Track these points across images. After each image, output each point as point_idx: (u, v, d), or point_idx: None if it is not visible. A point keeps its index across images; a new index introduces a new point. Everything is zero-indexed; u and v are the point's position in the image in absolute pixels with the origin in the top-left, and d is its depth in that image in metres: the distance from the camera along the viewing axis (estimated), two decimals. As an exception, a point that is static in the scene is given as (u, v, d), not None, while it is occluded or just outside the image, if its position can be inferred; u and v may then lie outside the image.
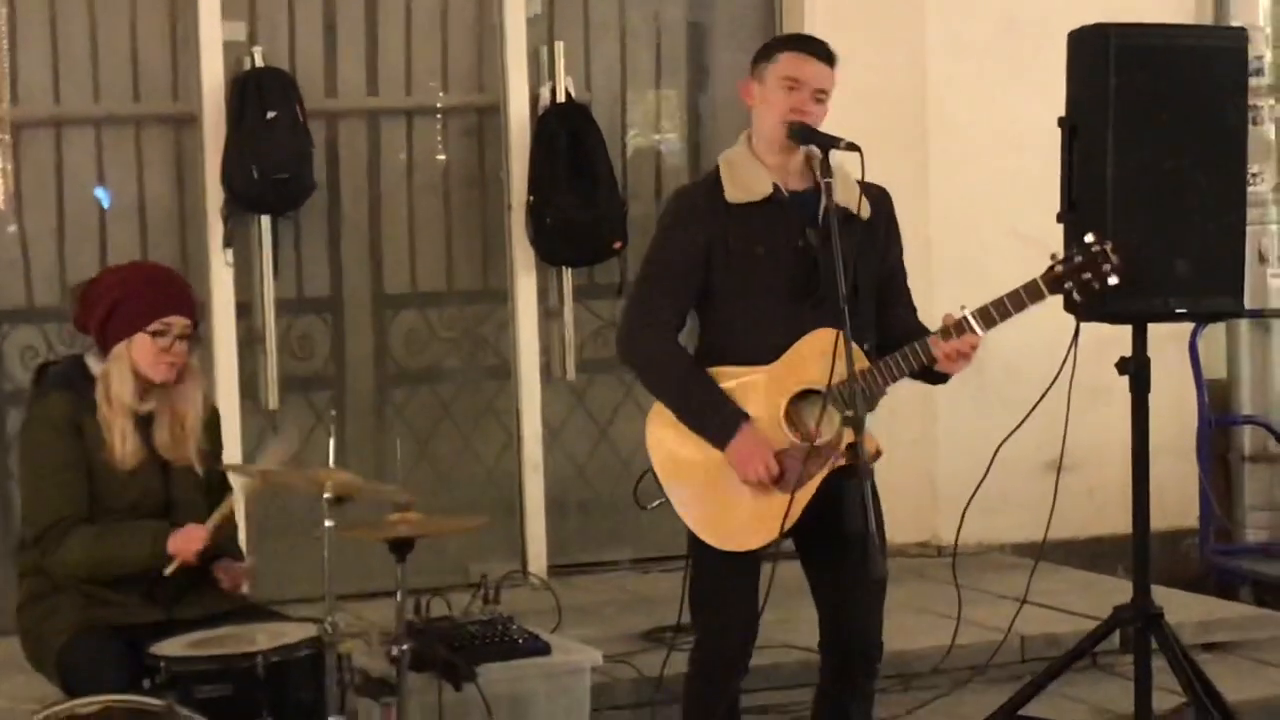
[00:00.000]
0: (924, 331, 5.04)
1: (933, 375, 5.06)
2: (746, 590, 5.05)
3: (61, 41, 7.74)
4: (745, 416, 4.94)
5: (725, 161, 5.09)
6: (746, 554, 5.01)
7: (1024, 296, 4.96)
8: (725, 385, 5.01)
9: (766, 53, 5.11)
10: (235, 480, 5.35)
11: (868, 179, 4.94)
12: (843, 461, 4.87)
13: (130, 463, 5.16)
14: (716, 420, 4.96)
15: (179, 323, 5.20)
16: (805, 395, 4.98)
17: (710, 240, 5.00)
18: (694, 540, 5.08)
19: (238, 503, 5.26)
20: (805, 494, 4.92)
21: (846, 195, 4.98)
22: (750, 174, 5.03)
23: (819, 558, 5.09)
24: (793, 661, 5.39)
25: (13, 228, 7.69)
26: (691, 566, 5.11)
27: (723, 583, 5.06)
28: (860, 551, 4.75)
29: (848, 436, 4.81)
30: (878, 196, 5.11)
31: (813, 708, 5.34)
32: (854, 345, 4.80)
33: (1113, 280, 5.02)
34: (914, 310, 5.21)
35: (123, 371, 5.16)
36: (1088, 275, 5.00)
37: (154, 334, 5.16)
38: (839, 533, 4.86)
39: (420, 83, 8.22)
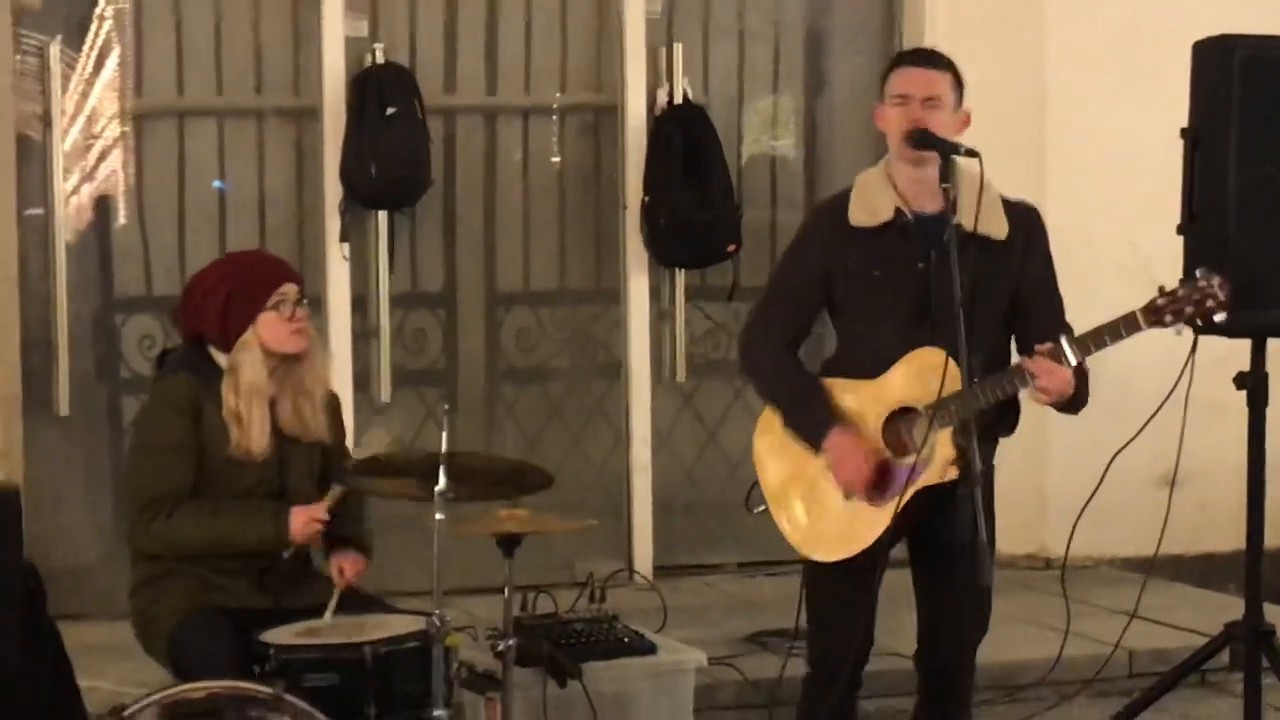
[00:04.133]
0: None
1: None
2: (861, 599, 5.02)
3: (185, 34, 7.83)
4: (837, 421, 4.95)
5: (859, 182, 5.09)
6: (861, 566, 4.99)
7: (1121, 328, 4.84)
8: (833, 395, 5.02)
9: (884, 76, 5.12)
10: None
11: (985, 187, 4.90)
12: (941, 478, 4.84)
13: (262, 450, 5.21)
14: (811, 422, 4.99)
15: (291, 290, 5.28)
16: (906, 412, 4.96)
17: (829, 262, 5.02)
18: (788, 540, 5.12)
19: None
20: (887, 512, 4.89)
21: (986, 217, 4.88)
22: (877, 197, 5.01)
23: (924, 568, 5.09)
24: (900, 670, 5.40)
25: (133, 218, 7.78)
26: (805, 574, 5.12)
27: (837, 592, 5.05)
28: (964, 565, 4.66)
29: (946, 450, 4.79)
30: (1022, 214, 5.05)
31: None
32: (955, 365, 4.73)
33: (1219, 317, 4.88)
34: (1064, 327, 4.99)
35: (254, 358, 5.22)
36: (1191, 310, 4.85)
37: (274, 307, 5.23)
38: (945, 544, 4.80)
39: (538, 81, 8.25)
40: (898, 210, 4.99)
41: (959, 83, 5.08)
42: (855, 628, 5.03)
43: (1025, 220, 5.08)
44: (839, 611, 5.05)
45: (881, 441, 4.97)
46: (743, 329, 5.24)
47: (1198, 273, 4.90)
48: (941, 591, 4.97)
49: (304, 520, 5.17)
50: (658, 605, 7.05)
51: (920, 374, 4.86)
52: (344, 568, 5.30)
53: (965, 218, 4.85)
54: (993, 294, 4.97)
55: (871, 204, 5.01)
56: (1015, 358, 5.01)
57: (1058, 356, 4.84)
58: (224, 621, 5.08)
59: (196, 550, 5.16)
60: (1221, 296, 4.83)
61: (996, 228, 4.96)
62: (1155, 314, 4.83)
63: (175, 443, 5.18)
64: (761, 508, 5.10)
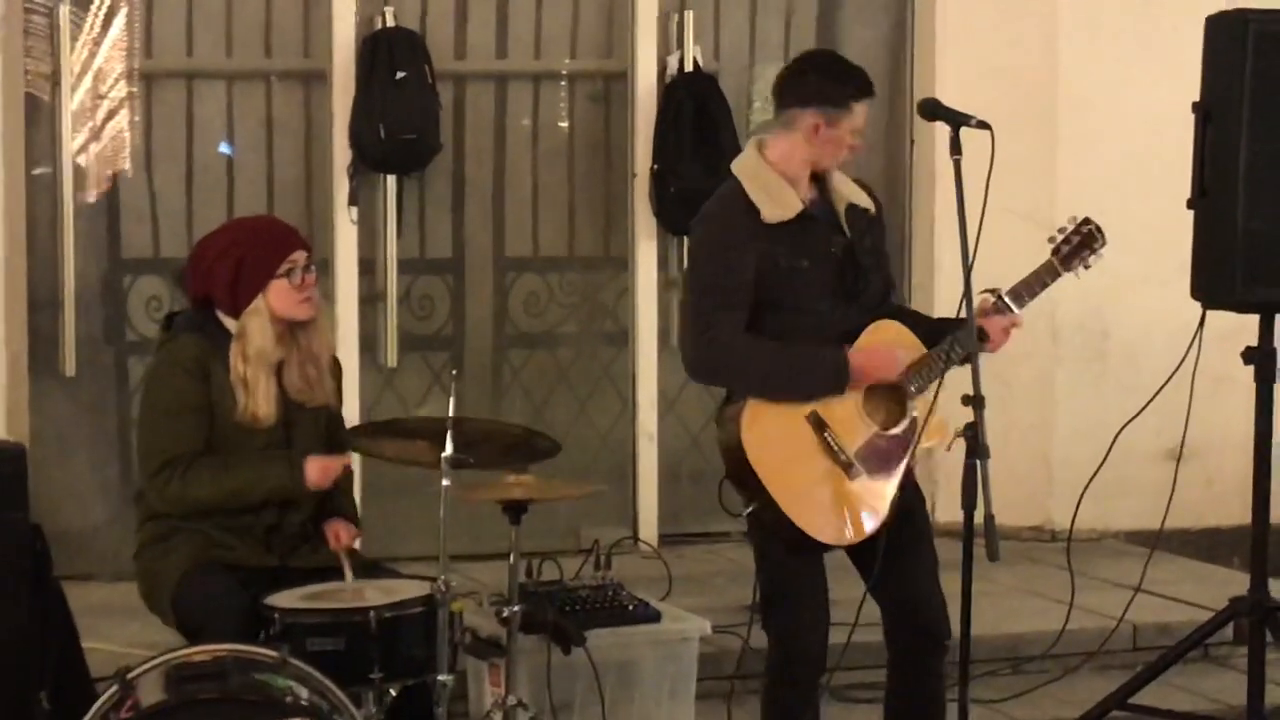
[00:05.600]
0: (907, 311, 5.37)
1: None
2: (819, 575, 5.11)
3: (196, -5, 7.82)
4: (840, 348, 5.04)
5: (749, 179, 5.11)
6: (814, 549, 5.06)
7: (1045, 276, 5.27)
8: None
9: (839, 99, 5.10)
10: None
11: (996, 158, 4.90)
12: (936, 437, 5.04)
13: (269, 416, 5.21)
14: (823, 365, 5.03)
15: (301, 257, 5.29)
16: (877, 387, 5.08)
17: (758, 260, 5.04)
18: (762, 542, 5.12)
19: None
20: (893, 484, 5.04)
21: (854, 193, 5.18)
22: (780, 192, 5.08)
23: (900, 537, 5.07)
24: (879, 641, 5.43)
25: (141, 179, 7.77)
26: (762, 569, 5.14)
27: (795, 581, 5.09)
28: (902, 534, 5.00)
29: (924, 411, 5.00)
30: (868, 188, 5.30)
31: (885, 697, 5.33)
32: (909, 333, 5.10)
33: (1103, 252, 5.31)
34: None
35: (263, 324, 5.22)
36: (1087, 252, 5.30)
37: (285, 275, 5.23)
38: (919, 512, 5.08)
39: (549, 47, 8.23)
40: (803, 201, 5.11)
41: None
42: (816, 602, 5.09)
43: (873, 192, 5.31)
44: (801, 588, 5.08)
45: (866, 418, 5.06)
46: (689, 341, 5.20)
47: (1071, 217, 5.36)
48: (921, 557, 5.12)
49: (320, 468, 5.19)
50: (662, 573, 7.05)
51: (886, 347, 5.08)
52: (339, 533, 5.31)
53: (849, 196, 5.16)
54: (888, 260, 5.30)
55: (779, 199, 5.08)
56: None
57: (1002, 311, 5.19)
58: (229, 577, 5.10)
59: (213, 504, 5.17)
60: (1102, 237, 5.32)
61: (867, 201, 5.23)
62: (1067, 259, 5.30)
63: (187, 403, 5.19)
64: (748, 510, 5.07)
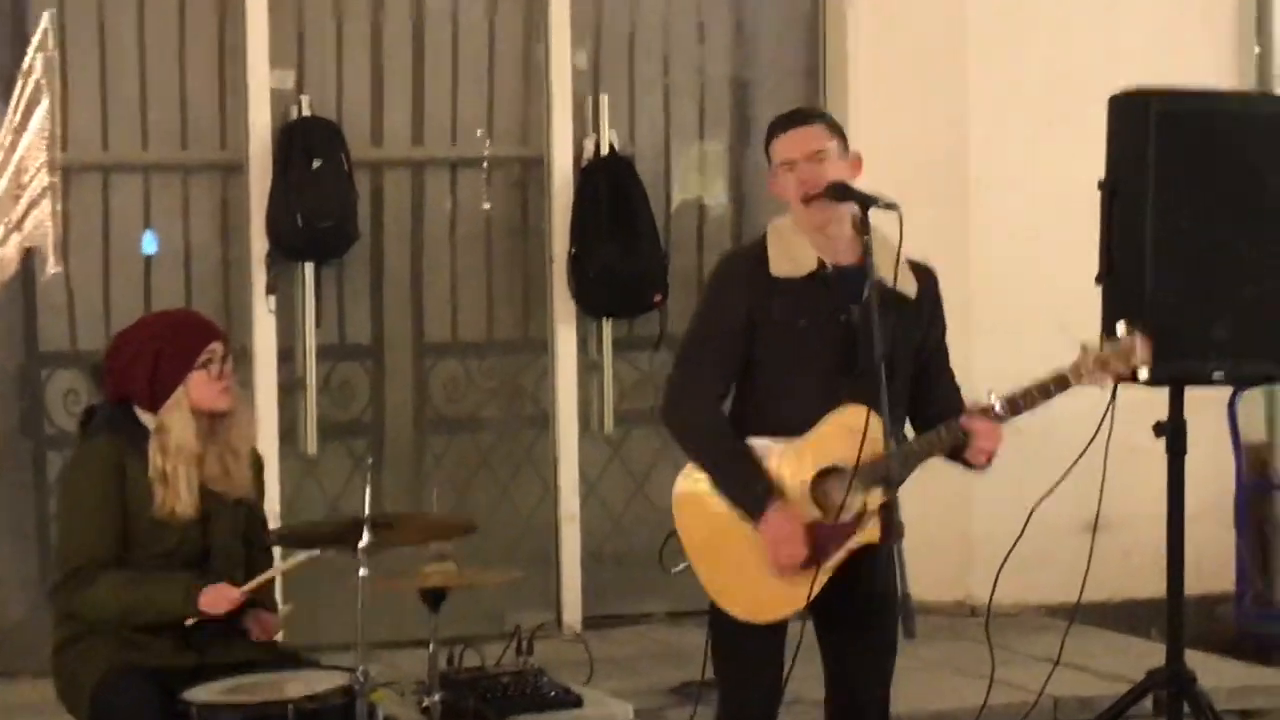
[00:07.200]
0: (944, 411, 5.04)
1: (965, 460, 5.07)
2: (770, 654, 5.04)
3: (111, 88, 7.82)
4: (775, 496, 4.92)
5: (774, 231, 5.07)
6: (770, 621, 5.01)
7: (1051, 388, 4.99)
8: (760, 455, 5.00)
9: (766, 148, 5.12)
10: (283, 558, 5.39)
11: (906, 238, 4.91)
12: (865, 539, 4.89)
13: (191, 510, 5.19)
14: (748, 494, 4.93)
15: (218, 347, 5.28)
16: (831, 471, 4.96)
17: (751, 311, 4.99)
18: (713, 605, 5.07)
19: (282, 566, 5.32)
20: (826, 572, 4.92)
21: (892, 273, 4.94)
22: (797, 247, 5.01)
23: (831, 623, 5.06)
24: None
25: (59, 271, 7.74)
26: (712, 630, 5.09)
27: (745, 647, 5.04)
28: (879, 616, 4.84)
29: (874, 504, 4.83)
30: (924, 275, 5.10)
31: None
32: (880, 423, 4.79)
33: (1142, 374, 5.05)
34: (958, 390, 5.18)
35: (184, 417, 5.20)
36: (1118, 367, 5.03)
37: (203, 366, 5.23)
38: (853, 599, 4.92)
39: (465, 134, 8.27)
40: (820, 261, 5.00)
41: (836, 130, 5.12)
42: (765, 681, 5.03)
43: (928, 280, 5.13)
44: (749, 666, 5.04)
45: (811, 502, 4.96)
46: (668, 387, 5.13)
47: (1118, 329, 5.05)
48: (858, 642, 5.01)
49: (215, 599, 5.12)
50: (585, 657, 7.04)
51: (851, 433, 4.85)
52: (263, 624, 5.29)
53: (883, 273, 4.91)
54: (907, 351, 5.02)
55: (792, 254, 5.01)
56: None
57: (990, 415, 4.96)
58: (146, 681, 5.05)
59: (115, 618, 5.12)
60: (1143, 354, 5.01)
61: (907, 285, 5.02)
62: (1083, 373, 4.99)
63: (99, 504, 5.15)
64: (681, 566, 5.04)
